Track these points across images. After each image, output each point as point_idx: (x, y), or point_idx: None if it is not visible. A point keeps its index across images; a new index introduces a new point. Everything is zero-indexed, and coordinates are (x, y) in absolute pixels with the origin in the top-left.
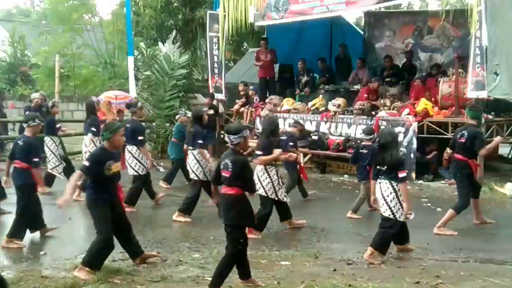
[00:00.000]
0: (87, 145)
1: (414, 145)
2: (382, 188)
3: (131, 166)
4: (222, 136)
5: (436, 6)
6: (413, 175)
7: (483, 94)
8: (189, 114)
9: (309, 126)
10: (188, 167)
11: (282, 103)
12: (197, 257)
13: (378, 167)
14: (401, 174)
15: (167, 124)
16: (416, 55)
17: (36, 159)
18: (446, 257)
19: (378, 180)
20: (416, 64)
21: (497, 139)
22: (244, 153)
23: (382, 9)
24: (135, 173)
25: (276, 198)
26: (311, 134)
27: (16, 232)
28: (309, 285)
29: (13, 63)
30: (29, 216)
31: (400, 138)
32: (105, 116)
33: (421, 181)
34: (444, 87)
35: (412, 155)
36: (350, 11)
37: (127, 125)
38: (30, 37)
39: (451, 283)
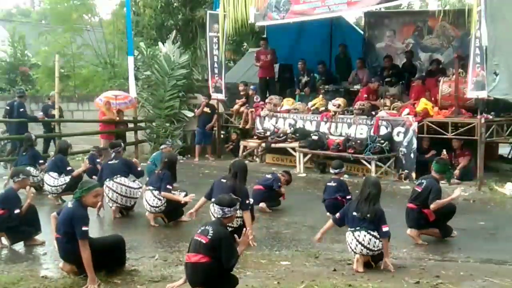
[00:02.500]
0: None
1: (414, 145)
2: (364, 241)
3: (128, 197)
4: (222, 136)
5: (436, 6)
6: (413, 175)
7: (483, 94)
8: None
9: (309, 126)
10: (145, 202)
11: (282, 103)
12: None
13: (354, 214)
14: (385, 228)
15: (167, 124)
16: (416, 55)
17: (17, 211)
18: (446, 257)
19: (352, 233)
20: (416, 64)
21: (456, 192)
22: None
23: (382, 9)
24: (134, 201)
25: None
26: (311, 134)
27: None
28: (309, 285)
29: (13, 63)
30: None
31: (400, 138)
32: (105, 116)
33: None
34: (444, 87)
35: (412, 155)
36: (351, 12)
37: (114, 161)
38: (30, 37)
39: (451, 283)
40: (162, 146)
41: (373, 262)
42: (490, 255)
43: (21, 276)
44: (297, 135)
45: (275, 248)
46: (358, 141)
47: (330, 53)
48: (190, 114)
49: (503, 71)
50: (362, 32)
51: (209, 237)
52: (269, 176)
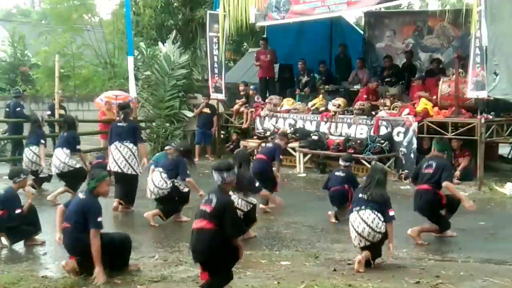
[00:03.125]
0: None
1: (414, 145)
2: (368, 220)
3: (130, 165)
4: (222, 136)
5: (436, 6)
6: None
7: (483, 94)
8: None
9: (309, 126)
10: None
11: (282, 103)
12: None
13: (360, 196)
14: (391, 213)
15: (167, 124)
16: (416, 55)
17: (18, 211)
18: (446, 257)
19: (357, 212)
20: (416, 64)
21: (469, 202)
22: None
23: (382, 9)
24: (133, 172)
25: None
26: (311, 134)
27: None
28: (309, 285)
29: (13, 63)
30: None
31: (400, 138)
32: (105, 116)
33: None
34: (444, 87)
35: (412, 155)
36: (351, 12)
37: (122, 124)
38: (30, 37)
39: (451, 283)
40: (167, 147)
41: (372, 260)
42: (490, 255)
43: (21, 276)
44: (297, 135)
45: (275, 248)
46: (358, 141)
47: (330, 53)
48: (190, 114)
49: (503, 71)
50: (362, 32)
51: (213, 205)
52: (270, 145)
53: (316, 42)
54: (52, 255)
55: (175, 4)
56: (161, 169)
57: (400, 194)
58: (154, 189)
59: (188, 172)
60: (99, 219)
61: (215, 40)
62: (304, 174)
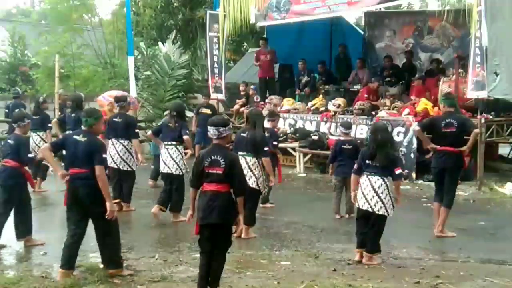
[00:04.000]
0: None
1: (414, 145)
2: (375, 184)
3: (125, 161)
4: None
5: (436, 6)
6: (413, 175)
7: (483, 94)
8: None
9: (309, 126)
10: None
11: (282, 103)
12: (197, 257)
13: (368, 162)
14: (398, 171)
15: None
16: (416, 55)
17: (31, 155)
18: (446, 257)
19: (367, 176)
20: (416, 64)
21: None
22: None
23: (382, 9)
24: (129, 169)
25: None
26: (311, 134)
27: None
28: (309, 285)
29: (13, 63)
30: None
31: (400, 138)
32: (106, 116)
33: (421, 181)
34: (444, 87)
35: (412, 155)
36: (352, 12)
37: (118, 119)
38: (30, 37)
39: (451, 283)
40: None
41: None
42: (490, 255)
43: (21, 276)
44: (297, 135)
45: (275, 248)
46: (358, 141)
47: (330, 53)
48: (190, 114)
49: (503, 71)
50: (362, 32)
51: (223, 166)
52: (267, 135)
53: (316, 42)
54: (52, 255)
55: (175, 4)
56: (166, 142)
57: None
58: (164, 167)
59: (187, 131)
60: (104, 155)
61: (215, 40)
62: (304, 174)
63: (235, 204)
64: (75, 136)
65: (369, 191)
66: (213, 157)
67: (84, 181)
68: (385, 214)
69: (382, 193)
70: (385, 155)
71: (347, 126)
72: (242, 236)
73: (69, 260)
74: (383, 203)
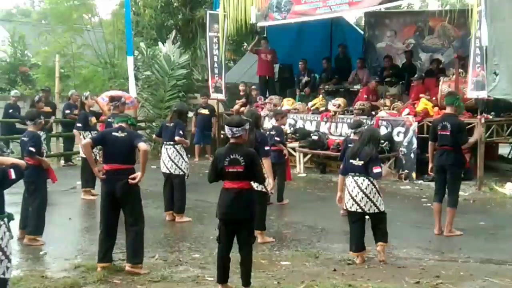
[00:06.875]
0: None
1: (414, 145)
2: (362, 185)
3: None
4: (222, 136)
5: (436, 6)
6: (413, 175)
7: (483, 94)
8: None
9: (309, 126)
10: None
11: (282, 103)
12: (197, 257)
13: (351, 161)
14: (376, 170)
15: None
16: (417, 55)
17: (31, 149)
18: (446, 257)
19: (353, 177)
20: (416, 64)
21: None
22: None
23: (383, 9)
24: None
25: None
26: (311, 134)
27: (39, 229)
28: (309, 285)
29: (13, 63)
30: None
31: (400, 138)
32: (105, 116)
33: (421, 181)
34: (444, 87)
35: (412, 155)
36: (353, 12)
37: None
38: (30, 37)
39: (451, 283)
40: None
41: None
42: (490, 255)
43: (21, 276)
44: (297, 135)
45: (275, 248)
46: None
47: (330, 53)
48: (190, 114)
49: (503, 71)
50: (362, 32)
51: (243, 163)
52: (273, 133)
53: (316, 42)
54: (52, 255)
55: (175, 4)
56: (165, 143)
57: (400, 194)
58: (163, 167)
59: (182, 132)
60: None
61: (215, 40)
62: (304, 174)
63: (255, 200)
64: (114, 133)
65: (357, 192)
66: (232, 156)
67: (122, 177)
68: (378, 211)
69: (370, 193)
70: (366, 153)
71: (356, 125)
72: (259, 241)
73: (105, 253)
74: (373, 202)
